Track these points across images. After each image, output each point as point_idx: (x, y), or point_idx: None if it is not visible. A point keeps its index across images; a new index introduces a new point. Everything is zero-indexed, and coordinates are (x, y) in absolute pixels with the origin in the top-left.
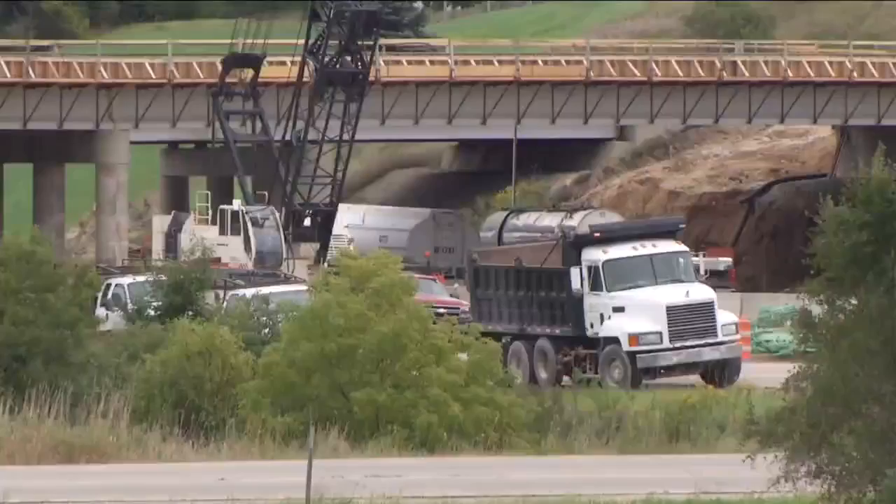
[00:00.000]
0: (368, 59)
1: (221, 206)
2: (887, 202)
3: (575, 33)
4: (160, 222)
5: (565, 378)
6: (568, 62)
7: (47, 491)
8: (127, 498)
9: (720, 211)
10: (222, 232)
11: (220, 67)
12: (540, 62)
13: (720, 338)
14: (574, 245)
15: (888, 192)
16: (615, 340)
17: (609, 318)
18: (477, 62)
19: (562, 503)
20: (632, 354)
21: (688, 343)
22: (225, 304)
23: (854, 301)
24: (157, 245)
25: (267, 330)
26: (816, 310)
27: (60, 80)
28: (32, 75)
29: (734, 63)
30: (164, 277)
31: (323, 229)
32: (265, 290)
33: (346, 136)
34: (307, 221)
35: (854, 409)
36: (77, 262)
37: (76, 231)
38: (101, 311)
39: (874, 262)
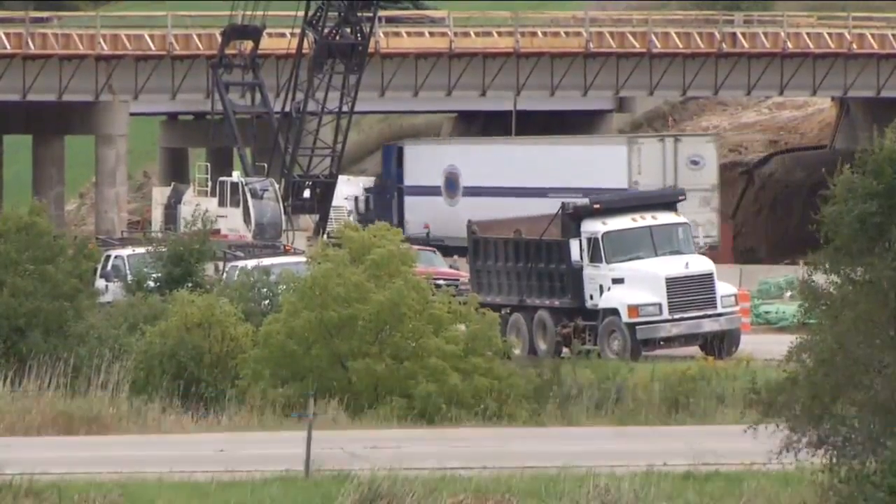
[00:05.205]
0: (368, 30)
1: (221, 178)
2: None
3: (572, 6)
4: (160, 194)
5: (564, 350)
6: (567, 34)
7: (47, 462)
8: (126, 469)
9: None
10: (221, 204)
11: (219, 39)
12: (539, 34)
13: (719, 309)
14: (573, 217)
15: None
16: (614, 312)
17: (608, 289)
18: (476, 34)
19: (560, 474)
20: (631, 326)
21: (687, 314)
22: (224, 275)
23: (860, 271)
24: (157, 217)
25: (267, 302)
26: (820, 279)
27: (60, 52)
28: (32, 47)
29: (733, 35)
30: (163, 249)
31: (322, 201)
32: (266, 261)
33: (345, 108)
34: (306, 193)
35: (856, 380)
36: (76, 233)
37: (76, 202)
38: (100, 283)
39: (882, 232)
